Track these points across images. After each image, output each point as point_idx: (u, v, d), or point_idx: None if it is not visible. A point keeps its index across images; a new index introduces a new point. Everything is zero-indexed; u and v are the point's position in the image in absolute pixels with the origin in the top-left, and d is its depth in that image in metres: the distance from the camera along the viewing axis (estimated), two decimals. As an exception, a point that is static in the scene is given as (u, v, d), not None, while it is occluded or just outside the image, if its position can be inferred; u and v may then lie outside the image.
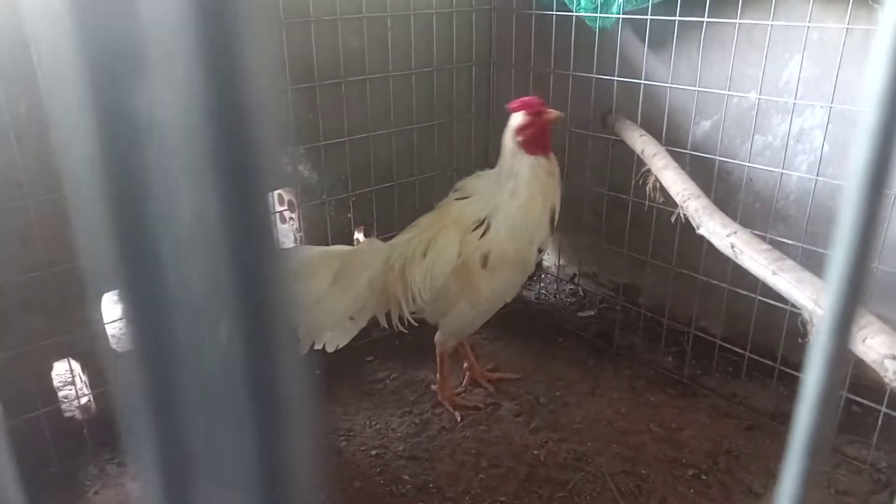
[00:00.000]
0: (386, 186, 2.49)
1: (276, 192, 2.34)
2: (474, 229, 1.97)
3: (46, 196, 1.79)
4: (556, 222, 2.04)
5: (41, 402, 1.90)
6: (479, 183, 2.05)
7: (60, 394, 2.03)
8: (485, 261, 1.95)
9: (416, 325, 2.07)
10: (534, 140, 1.92)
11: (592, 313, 2.70)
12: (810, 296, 1.24)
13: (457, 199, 2.06)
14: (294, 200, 2.34)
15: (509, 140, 1.95)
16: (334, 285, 1.93)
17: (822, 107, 1.94)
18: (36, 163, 1.77)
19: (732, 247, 1.51)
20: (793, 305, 1.85)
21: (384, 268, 2.00)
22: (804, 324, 1.27)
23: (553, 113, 1.91)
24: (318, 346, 1.98)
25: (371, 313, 2.02)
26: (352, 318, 1.99)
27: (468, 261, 1.96)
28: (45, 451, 1.91)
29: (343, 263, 1.95)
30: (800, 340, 1.32)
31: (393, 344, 2.50)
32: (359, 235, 2.54)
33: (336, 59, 2.24)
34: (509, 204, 1.95)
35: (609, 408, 2.15)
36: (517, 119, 1.93)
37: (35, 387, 1.90)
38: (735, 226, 1.56)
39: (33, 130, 1.75)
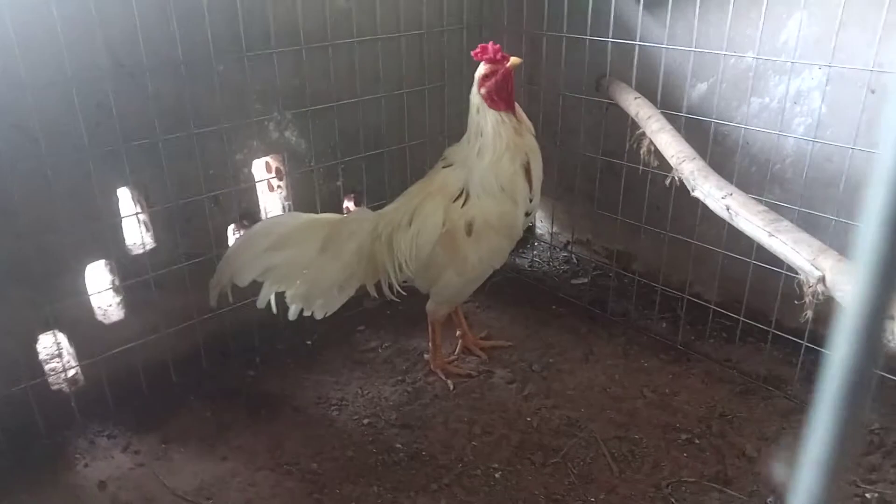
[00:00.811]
0: (375, 153, 2.44)
1: (263, 160, 2.29)
2: (457, 198, 1.93)
3: (25, 164, 1.74)
4: (538, 182, 1.98)
5: (27, 374, 1.87)
6: (463, 148, 2.00)
7: (47, 366, 2.00)
8: (469, 228, 1.92)
9: (405, 294, 2.04)
10: (497, 92, 1.86)
11: (586, 280, 2.68)
12: (807, 257, 1.22)
13: (443, 168, 2.02)
14: (282, 168, 2.29)
15: (475, 95, 1.90)
16: (322, 253, 1.90)
17: (820, 67, 1.90)
18: (14, 130, 1.72)
19: (728, 209, 1.48)
20: (788, 269, 1.83)
21: (371, 237, 1.96)
22: (800, 285, 1.25)
23: (513, 60, 1.84)
24: (307, 314, 1.95)
25: (360, 282, 2.00)
26: (341, 287, 1.95)
27: (453, 229, 1.92)
28: (32, 425, 1.89)
29: (331, 231, 1.92)
30: (796, 302, 1.30)
31: (384, 313, 2.48)
32: (348, 203, 2.49)
33: (322, 22, 2.17)
34: (478, 164, 1.91)
35: (602, 374, 2.14)
36: (480, 70, 1.87)
37: (21, 359, 1.87)
38: (730, 188, 1.53)
39: (10, 96, 1.69)
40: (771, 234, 1.32)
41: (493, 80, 1.85)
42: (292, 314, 1.94)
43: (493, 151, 1.89)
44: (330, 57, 2.22)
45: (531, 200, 1.97)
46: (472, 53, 1.89)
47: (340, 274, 1.93)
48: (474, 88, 1.89)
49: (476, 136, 1.91)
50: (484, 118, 1.88)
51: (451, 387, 2.10)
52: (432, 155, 2.53)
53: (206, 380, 2.15)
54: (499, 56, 1.85)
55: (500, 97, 1.86)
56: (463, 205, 1.93)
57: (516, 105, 1.91)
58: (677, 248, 2.27)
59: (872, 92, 1.80)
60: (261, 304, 1.92)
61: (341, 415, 2.01)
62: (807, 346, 1.94)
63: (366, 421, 1.98)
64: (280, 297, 1.94)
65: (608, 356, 2.24)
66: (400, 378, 2.16)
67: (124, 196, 2.01)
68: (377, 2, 2.28)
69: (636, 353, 2.25)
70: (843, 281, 1.12)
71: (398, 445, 1.88)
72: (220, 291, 1.88)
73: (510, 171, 1.90)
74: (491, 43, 1.87)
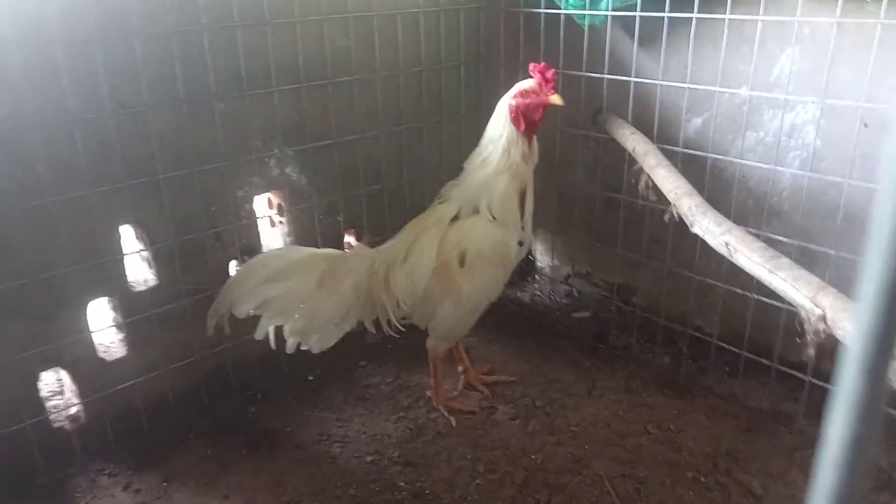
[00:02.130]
0: (375, 189, 2.46)
1: (264, 196, 2.31)
2: (451, 221, 1.95)
3: (29, 202, 1.75)
4: (529, 214, 1.99)
5: (28, 412, 1.86)
6: (460, 178, 2.01)
7: (49, 404, 1.99)
8: (462, 259, 1.93)
9: (404, 329, 2.03)
10: (525, 113, 1.88)
11: (587, 314, 2.68)
12: (807, 294, 1.22)
13: (440, 204, 2.03)
14: (283, 204, 2.30)
15: (504, 103, 1.91)
16: (319, 288, 1.90)
17: (813, 102, 1.92)
18: (18, 168, 1.74)
19: (727, 245, 1.49)
20: (789, 304, 1.84)
21: (369, 273, 1.97)
22: (801, 323, 1.25)
23: (557, 97, 1.86)
24: (303, 348, 1.95)
25: (357, 318, 1.99)
26: (336, 323, 1.95)
27: (446, 261, 1.93)
28: (32, 463, 1.87)
29: (328, 267, 1.93)
30: (797, 340, 1.30)
31: (385, 348, 2.47)
32: (349, 238, 2.51)
33: (322, 60, 2.21)
34: (478, 172, 1.93)
35: (606, 410, 2.13)
36: (525, 83, 1.89)
37: (21, 397, 1.86)
38: (729, 223, 1.54)
39: (15, 135, 1.71)
40: (771, 271, 1.32)
41: (529, 100, 1.87)
42: (290, 348, 1.94)
43: (496, 165, 1.90)
44: (329, 94, 2.25)
45: (523, 229, 1.98)
46: (531, 65, 1.90)
47: (336, 309, 1.93)
48: (507, 94, 1.91)
49: (488, 143, 1.93)
50: (503, 129, 1.90)
51: (454, 423, 2.09)
52: (431, 190, 2.55)
53: (206, 416, 2.14)
54: (549, 83, 1.87)
55: (526, 120, 1.88)
56: (452, 220, 1.93)
57: (534, 137, 1.94)
58: (678, 282, 2.28)
59: (866, 125, 1.82)
60: (259, 335, 1.92)
61: (343, 452, 1.99)
62: (811, 381, 1.93)
63: (368, 458, 1.96)
64: (279, 331, 1.94)
65: (611, 391, 2.22)
66: (402, 414, 2.15)
67: (126, 233, 2.03)
68: (376, 40, 2.32)
69: (639, 387, 2.23)
70: (844, 319, 1.12)
71: (401, 483, 1.86)
72: (218, 322, 1.88)
73: (505, 190, 1.91)
74: (554, 71, 1.88)
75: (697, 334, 2.29)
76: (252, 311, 1.88)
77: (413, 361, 2.37)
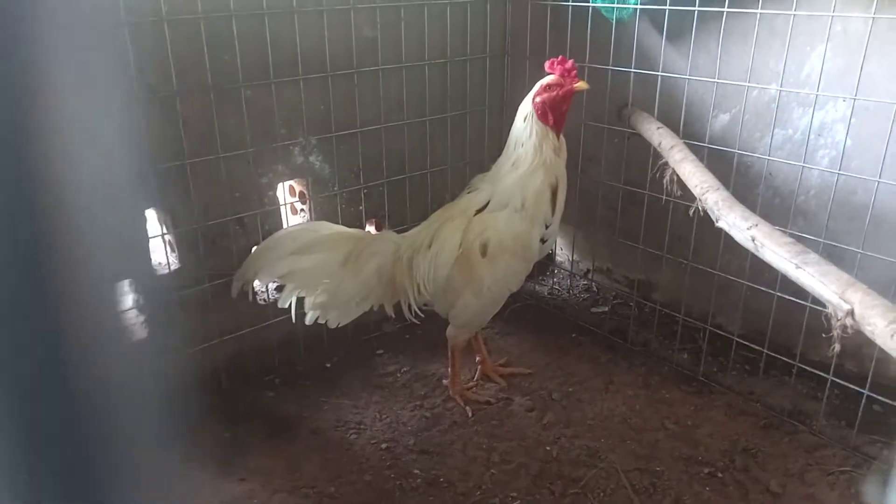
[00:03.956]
0: (398, 179, 2.46)
1: (287, 183, 2.33)
2: (477, 212, 1.95)
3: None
4: (560, 208, 1.99)
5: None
6: (489, 174, 2.02)
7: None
8: (484, 249, 1.93)
9: (423, 316, 2.05)
10: (552, 107, 1.88)
11: (606, 309, 2.67)
12: (836, 290, 1.20)
13: (468, 193, 2.04)
14: (305, 192, 2.32)
15: (527, 103, 1.91)
16: (344, 266, 1.92)
17: (844, 100, 1.90)
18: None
19: (753, 240, 1.47)
20: (813, 302, 1.82)
21: (393, 258, 1.98)
22: (828, 319, 1.23)
23: (581, 83, 1.87)
24: (321, 321, 1.97)
25: (378, 301, 2.01)
26: (357, 303, 1.98)
27: (469, 250, 1.93)
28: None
29: (355, 247, 1.95)
30: (823, 335, 1.29)
31: (403, 337, 2.48)
32: (370, 228, 2.52)
33: (349, 50, 2.22)
34: (510, 174, 1.93)
35: (623, 404, 2.12)
36: (546, 79, 1.89)
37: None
38: (756, 218, 1.52)
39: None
40: (798, 266, 1.31)
41: (555, 92, 1.87)
42: (309, 320, 1.97)
43: (530, 163, 1.90)
44: (355, 84, 2.26)
45: (548, 227, 1.98)
46: (548, 63, 1.90)
47: (358, 290, 1.95)
48: (529, 95, 1.91)
49: (515, 146, 1.93)
50: (530, 128, 1.90)
51: (470, 413, 2.09)
52: (454, 181, 2.56)
53: (225, 401, 2.16)
54: (571, 73, 1.87)
55: (553, 113, 1.88)
56: (477, 212, 1.94)
57: (561, 131, 1.94)
58: (699, 279, 2.26)
59: (898, 125, 1.79)
60: (282, 304, 1.98)
61: (359, 439, 2.00)
62: (832, 380, 1.91)
63: (384, 446, 1.97)
64: (299, 303, 1.97)
65: (628, 386, 2.21)
66: (418, 403, 2.15)
67: (151, 217, 2.05)
68: (402, 31, 2.32)
69: (657, 383, 2.22)
70: (873, 315, 1.10)
71: (416, 471, 1.87)
72: (243, 286, 1.92)
73: (539, 187, 1.91)
74: (572, 60, 1.89)
75: (718, 331, 2.27)
76: (276, 281, 1.91)
77: (430, 351, 2.37)
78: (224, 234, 2.13)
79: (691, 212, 1.81)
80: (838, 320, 1.17)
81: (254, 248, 1.96)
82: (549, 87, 1.88)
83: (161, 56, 1.87)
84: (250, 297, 1.96)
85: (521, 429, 2.03)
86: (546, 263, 2.91)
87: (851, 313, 1.14)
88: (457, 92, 2.54)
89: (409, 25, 2.33)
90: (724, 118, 2.19)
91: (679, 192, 1.96)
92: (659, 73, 2.20)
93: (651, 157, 2.14)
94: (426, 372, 2.31)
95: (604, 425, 2.03)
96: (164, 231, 2.06)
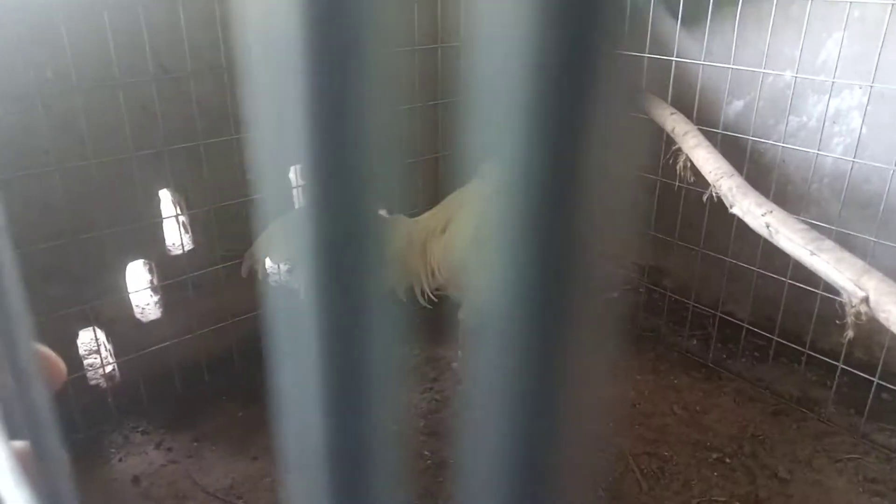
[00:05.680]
0: (408, 163, 2.46)
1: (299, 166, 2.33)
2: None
3: (72, 163, 1.78)
4: None
5: (67, 369, 1.91)
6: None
7: (86, 362, 2.04)
8: None
9: (436, 300, 2.05)
10: None
11: (615, 294, 2.67)
12: (850, 276, 1.21)
13: (480, 178, 2.04)
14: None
15: None
16: None
17: (860, 87, 1.89)
18: (62, 130, 1.77)
19: (767, 226, 1.47)
20: (824, 289, 1.82)
21: (406, 241, 1.99)
22: (842, 305, 1.24)
23: None
24: None
25: (389, 283, 2.02)
26: None
27: (480, 234, 1.93)
28: (70, 419, 1.93)
29: None
30: (837, 322, 1.29)
31: (413, 321, 2.49)
32: (381, 212, 2.52)
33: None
34: None
35: (632, 389, 2.13)
36: None
37: (60, 355, 1.91)
38: (770, 205, 1.52)
39: (60, 97, 1.74)
40: (812, 253, 1.31)
41: None
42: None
43: None
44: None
45: None
46: None
47: None
48: None
49: None
50: None
51: (480, 396, 2.11)
52: (465, 167, 2.55)
53: (238, 381, 2.18)
54: None
55: None
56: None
57: None
58: (710, 266, 2.26)
59: (915, 113, 1.79)
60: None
61: (370, 420, 2.02)
62: (843, 367, 1.91)
63: (394, 427, 1.99)
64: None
65: (637, 371, 2.23)
66: (428, 386, 2.17)
67: (165, 197, 2.06)
68: (416, 12, 2.31)
69: (666, 369, 2.23)
70: (888, 302, 1.11)
71: (426, 453, 1.89)
72: (252, 266, 1.93)
73: None
74: None
75: (728, 318, 2.27)
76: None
77: (440, 335, 2.38)
78: (237, 216, 2.13)
79: (705, 198, 1.81)
80: (853, 307, 1.17)
81: (266, 228, 1.97)
82: None
83: (175, 37, 1.87)
84: (260, 276, 1.97)
85: (530, 412, 2.05)
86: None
87: (866, 300, 1.15)
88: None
89: (421, 6, 2.32)
90: (739, 105, 2.18)
91: (692, 179, 1.96)
92: (673, 59, 2.19)
93: (664, 143, 2.14)
94: (436, 355, 2.33)
95: (612, 410, 2.05)
96: (178, 212, 2.07)
